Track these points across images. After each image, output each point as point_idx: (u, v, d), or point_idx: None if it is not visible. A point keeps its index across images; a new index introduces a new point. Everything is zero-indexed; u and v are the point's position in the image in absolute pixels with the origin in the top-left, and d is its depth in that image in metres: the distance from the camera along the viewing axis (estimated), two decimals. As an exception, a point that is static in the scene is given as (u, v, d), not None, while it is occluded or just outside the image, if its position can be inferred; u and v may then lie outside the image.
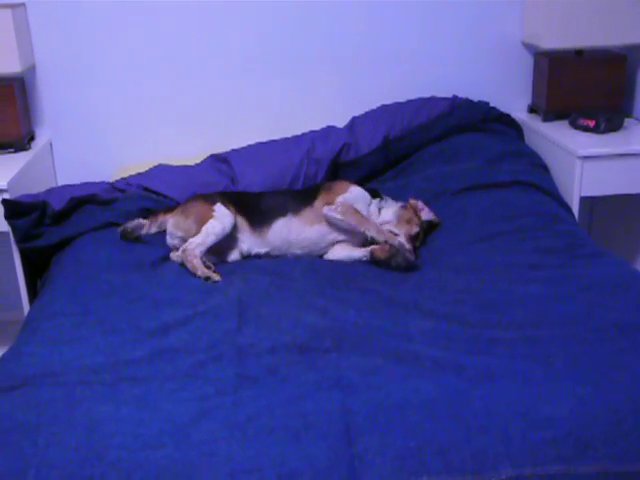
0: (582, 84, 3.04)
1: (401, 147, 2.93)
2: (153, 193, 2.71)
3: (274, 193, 2.62)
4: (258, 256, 2.45)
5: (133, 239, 2.47)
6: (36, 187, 2.75)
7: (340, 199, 2.43)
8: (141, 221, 2.48)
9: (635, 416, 1.54)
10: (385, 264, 2.31)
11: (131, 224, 2.46)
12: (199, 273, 2.24)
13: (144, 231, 2.49)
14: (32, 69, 3.00)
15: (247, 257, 2.45)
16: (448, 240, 2.49)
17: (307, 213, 2.46)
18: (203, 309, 2.04)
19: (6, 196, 2.55)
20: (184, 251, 2.31)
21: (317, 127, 3.00)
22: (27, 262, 2.63)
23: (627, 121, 2.99)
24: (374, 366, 1.74)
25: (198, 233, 2.35)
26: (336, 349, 1.82)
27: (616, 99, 3.06)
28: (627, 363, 1.71)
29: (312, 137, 2.92)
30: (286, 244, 2.44)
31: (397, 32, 3.10)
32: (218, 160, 2.89)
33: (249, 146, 2.94)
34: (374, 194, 2.57)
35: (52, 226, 2.57)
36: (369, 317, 1.97)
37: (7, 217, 2.51)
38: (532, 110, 3.22)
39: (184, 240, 2.38)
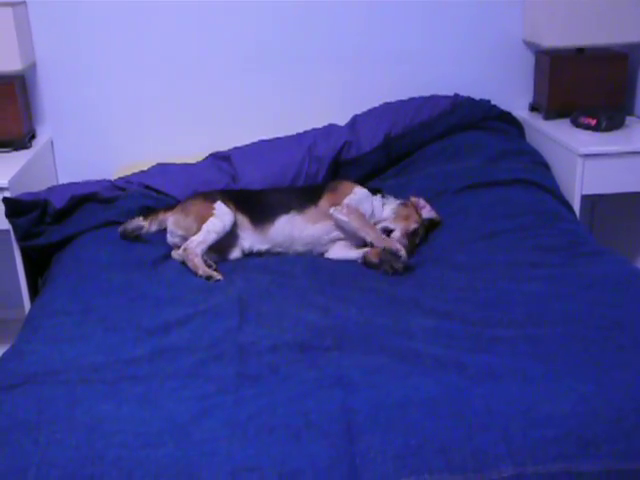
0: (583, 82, 3.04)
1: (402, 145, 2.93)
2: (154, 191, 2.71)
3: (276, 190, 2.62)
4: (260, 253, 2.45)
5: (133, 238, 2.47)
6: (37, 185, 2.75)
7: (346, 201, 2.45)
8: (140, 223, 2.46)
9: (637, 414, 1.54)
10: (377, 268, 2.31)
11: (130, 226, 2.46)
12: (200, 272, 2.24)
13: (144, 230, 2.49)
14: (33, 67, 2.99)
15: (249, 254, 2.45)
16: (449, 238, 2.49)
17: (311, 212, 2.47)
18: (204, 308, 2.03)
19: (7, 194, 2.55)
20: (185, 250, 2.31)
21: (318, 125, 3.00)
22: (28, 260, 2.63)
23: (628, 119, 2.99)
24: (375, 364, 1.74)
25: (198, 231, 2.35)
26: (337, 347, 1.82)
27: (617, 97, 3.06)
28: (628, 361, 1.71)
29: (313, 135, 2.92)
30: (288, 241, 2.45)
31: (398, 31, 3.10)
32: (219, 158, 2.89)
33: (250, 144, 2.94)
34: (376, 192, 2.58)
35: (53, 224, 2.57)
36: (370, 315, 1.97)
37: (8, 215, 2.51)
38: (533, 108, 3.21)
39: (185, 238, 2.38)
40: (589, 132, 2.90)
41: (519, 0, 3.10)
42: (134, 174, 2.81)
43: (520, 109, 3.21)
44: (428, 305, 2.03)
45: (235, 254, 2.43)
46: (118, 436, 1.52)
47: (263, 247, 2.45)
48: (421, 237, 2.49)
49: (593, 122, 2.89)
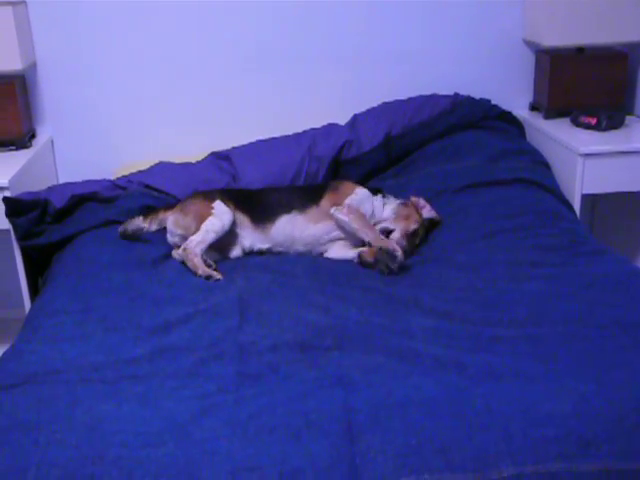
0: (583, 82, 3.04)
1: (402, 145, 2.93)
2: (154, 190, 2.71)
3: (276, 190, 2.62)
4: (260, 252, 2.46)
5: (134, 238, 2.46)
6: (37, 185, 2.75)
7: (348, 201, 2.45)
8: (140, 225, 2.46)
9: (637, 414, 1.54)
10: (371, 267, 2.31)
11: (130, 228, 2.45)
12: (200, 272, 2.24)
13: (144, 231, 2.48)
14: (33, 67, 2.99)
15: (249, 253, 2.46)
16: (449, 238, 2.49)
17: (313, 211, 2.47)
18: (204, 307, 2.03)
19: (7, 194, 2.55)
20: (185, 250, 2.31)
21: (318, 125, 3.00)
22: (28, 260, 2.63)
23: (628, 119, 2.99)
24: (375, 364, 1.74)
25: (197, 231, 2.35)
26: (337, 347, 1.82)
27: (617, 97, 3.06)
28: (629, 360, 1.71)
29: (313, 134, 2.92)
30: (289, 240, 2.45)
31: (398, 30, 3.10)
32: (219, 158, 2.89)
33: (250, 144, 2.94)
34: (376, 192, 2.58)
35: (53, 224, 2.57)
36: (370, 315, 1.97)
37: (8, 215, 2.51)
38: (533, 108, 3.21)
39: (184, 238, 2.38)
40: (589, 131, 2.90)
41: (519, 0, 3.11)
42: (134, 173, 2.81)
43: (520, 108, 3.21)
44: (428, 305, 2.03)
45: (236, 252, 2.44)
46: (118, 436, 1.52)
47: (264, 246, 2.46)
48: (421, 237, 2.49)
49: (593, 121, 2.90)
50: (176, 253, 2.39)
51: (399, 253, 2.26)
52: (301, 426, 1.53)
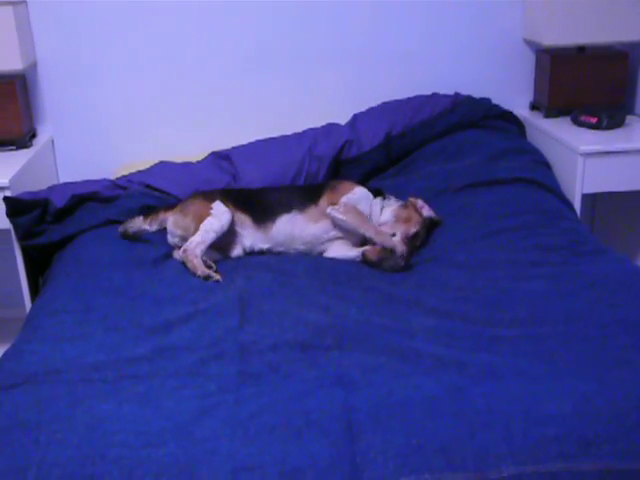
0: (584, 81, 3.04)
1: (403, 144, 2.93)
2: (155, 190, 2.71)
3: (276, 189, 2.62)
4: (261, 251, 2.46)
5: (134, 238, 2.46)
6: (38, 184, 2.75)
7: (344, 199, 2.44)
8: (141, 226, 2.46)
9: (638, 413, 1.54)
10: (376, 266, 2.31)
11: (131, 229, 2.45)
12: (199, 273, 2.24)
13: (145, 231, 2.48)
14: (34, 66, 2.99)
15: (250, 253, 2.46)
16: (450, 237, 2.48)
17: (312, 211, 2.47)
18: (205, 306, 2.03)
19: (8, 193, 2.55)
20: (185, 251, 2.31)
21: (319, 125, 3.00)
22: (29, 260, 2.63)
23: (629, 118, 2.99)
24: (376, 363, 1.74)
25: (197, 231, 2.35)
26: (338, 347, 1.82)
27: (618, 96, 3.06)
28: (630, 360, 1.71)
29: (314, 134, 2.92)
30: (289, 240, 2.45)
31: (399, 30, 3.10)
32: (220, 157, 2.89)
33: (251, 143, 2.94)
34: (378, 193, 2.57)
35: (54, 224, 2.56)
36: (371, 315, 1.97)
37: (9, 214, 2.51)
38: (534, 107, 3.21)
39: (184, 238, 2.38)
40: (590, 131, 2.90)
41: (520, -1, 3.11)
42: (134, 173, 2.81)
43: (521, 108, 3.21)
44: (429, 304, 2.03)
45: (237, 252, 2.44)
46: (119, 435, 1.52)
47: (264, 246, 2.46)
48: (422, 239, 2.48)
49: (594, 120, 2.89)
50: (177, 254, 2.39)
51: (400, 249, 2.26)
52: (302, 425, 1.53)
